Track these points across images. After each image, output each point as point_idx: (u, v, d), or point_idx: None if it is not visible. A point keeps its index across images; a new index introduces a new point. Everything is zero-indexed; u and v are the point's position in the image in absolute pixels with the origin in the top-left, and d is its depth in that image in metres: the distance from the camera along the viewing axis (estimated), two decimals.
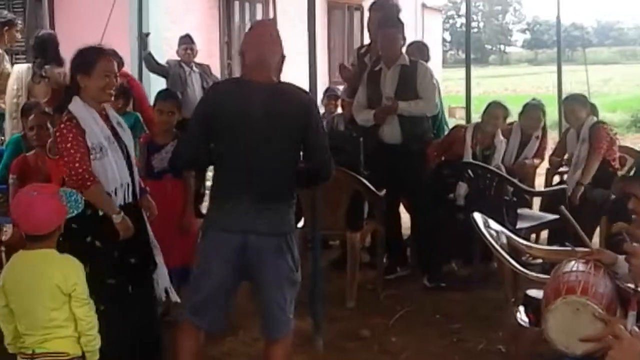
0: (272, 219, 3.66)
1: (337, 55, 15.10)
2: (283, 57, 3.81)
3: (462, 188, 5.96)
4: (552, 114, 10.10)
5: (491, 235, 4.28)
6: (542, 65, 54.03)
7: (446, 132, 6.87)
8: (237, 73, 10.58)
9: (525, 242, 4.77)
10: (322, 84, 7.24)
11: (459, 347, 4.85)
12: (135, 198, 4.01)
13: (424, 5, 22.18)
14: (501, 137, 6.31)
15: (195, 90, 8.12)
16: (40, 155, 5.09)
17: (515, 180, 6.08)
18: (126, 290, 3.90)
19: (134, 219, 3.90)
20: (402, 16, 6.47)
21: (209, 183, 5.59)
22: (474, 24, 69.07)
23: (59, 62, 6.58)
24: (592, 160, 6.11)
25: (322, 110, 7.71)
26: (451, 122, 8.38)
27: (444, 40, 39.74)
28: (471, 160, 6.13)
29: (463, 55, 11.26)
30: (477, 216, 4.42)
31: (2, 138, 6.77)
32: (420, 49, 7.00)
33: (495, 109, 6.30)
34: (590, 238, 4.91)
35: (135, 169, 4.06)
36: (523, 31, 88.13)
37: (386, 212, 5.96)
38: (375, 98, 6.04)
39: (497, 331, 4.93)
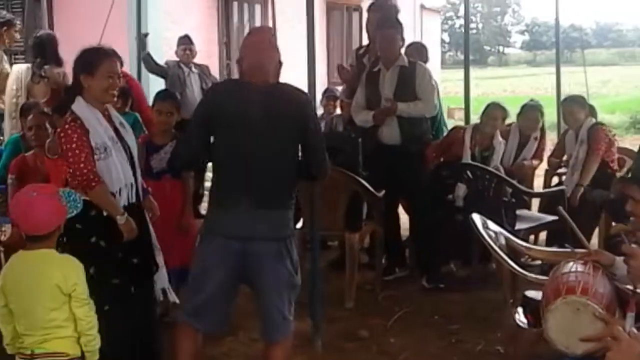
0: (271, 223, 3.67)
1: (336, 56, 15.10)
2: (280, 63, 3.84)
3: (461, 189, 5.96)
4: (550, 115, 10.08)
5: (490, 237, 4.29)
6: (540, 66, 54.04)
7: (445, 133, 6.87)
8: (236, 74, 10.58)
9: (524, 243, 4.77)
10: (320, 85, 7.25)
11: (458, 348, 4.85)
12: (138, 199, 4.02)
13: (422, 7, 22.21)
14: (500, 138, 6.31)
15: (194, 90, 8.12)
16: (39, 155, 5.09)
17: (514, 182, 6.09)
18: (129, 291, 3.91)
19: (137, 219, 3.91)
20: (401, 17, 6.47)
21: (208, 184, 5.59)
22: (472, 25, 69.35)
23: (58, 62, 6.59)
24: (590, 161, 6.13)
25: (320, 111, 7.72)
26: (450, 123, 8.37)
27: (442, 41, 39.76)
28: (470, 161, 6.13)
29: (462, 57, 11.24)
30: (476, 217, 4.42)
31: (1, 138, 6.77)
32: (419, 50, 7.00)
33: (494, 110, 6.30)
34: (589, 239, 4.92)
35: (138, 170, 4.07)
36: (522, 32, 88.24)
37: (385, 213, 5.96)
38: (374, 99, 6.04)
39: (496, 332, 4.93)
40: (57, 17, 10.11)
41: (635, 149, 6.90)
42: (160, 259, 4.16)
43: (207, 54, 10.65)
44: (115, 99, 4.08)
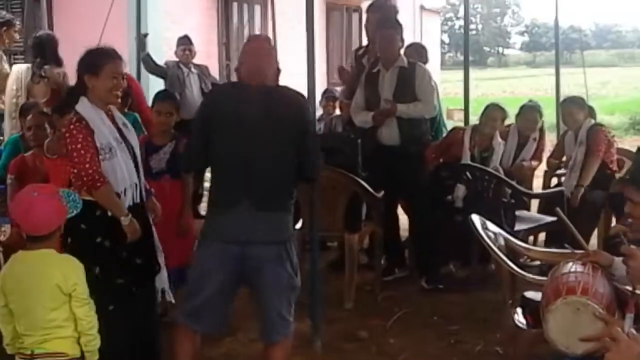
0: (271, 227, 3.68)
1: (336, 56, 15.12)
2: (279, 70, 3.87)
3: (460, 190, 5.96)
4: (550, 116, 10.08)
5: (489, 237, 4.29)
6: (540, 67, 54.05)
7: (444, 134, 6.87)
8: (235, 74, 10.58)
9: (523, 244, 4.78)
10: (320, 85, 7.24)
11: (457, 349, 4.86)
12: (142, 199, 4.04)
13: (422, 8, 22.23)
14: (499, 139, 6.31)
15: (194, 91, 8.12)
16: (38, 155, 5.08)
17: (513, 182, 6.09)
18: (132, 291, 3.93)
19: (140, 219, 3.92)
20: (401, 18, 6.47)
21: (207, 184, 5.59)
22: (472, 26, 69.34)
23: (58, 63, 6.59)
24: (591, 162, 6.13)
25: (320, 111, 7.73)
26: (449, 124, 8.37)
27: (442, 42, 39.75)
28: (469, 162, 6.13)
29: (461, 58, 11.25)
30: (475, 218, 4.42)
31: (1, 138, 6.77)
32: (418, 51, 7.00)
33: (494, 111, 6.31)
34: (588, 240, 4.94)
35: (142, 170, 4.08)
36: (521, 34, 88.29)
37: (384, 213, 5.96)
38: (373, 100, 6.04)
39: (495, 333, 4.93)
40: (57, 17, 10.11)
41: (635, 150, 6.90)
42: (161, 259, 4.17)
43: (207, 55, 10.65)
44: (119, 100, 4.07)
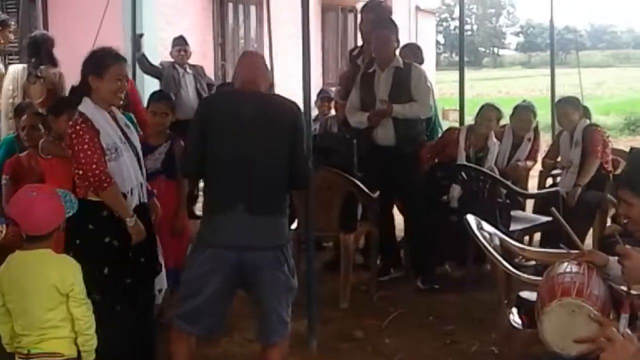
0: (268, 232, 3.69)
1: (331, 57, 15.12)
2: (271, 85, 3.90)
3: (456, 190, 5.97)
4: (545, 116, 10.14)
5: (484, 237, 4.30)
6: (535, 68, 54.07)
7: (440, 135, 6.88)
8: (230, 74, 10.57)
9: (518, 244, 4.78)
10: (315, 86, 7.24)
11: (452, 349, 4.86)
12: (146, 198, 4.08)
13: (417, 8, 22.21)
14: (494, 140, 6.32)
15: (189, 91, 8.13)
16: (33, 155, 5.07)
17: (509, 183, 6.09)
18: (138, 291, 3.95)
19: (145, 219, 3.95)
20: (396, 19, 6.48)
21: (202, 184, 5.59)
22: (467, 27, 69.35)
23: (53, 63, 6.59)
24: (590, 163, 6.14)
25: (315, 112, 7.72)
26: (445, 125, 8.38)
27: (437, 42, 39.77)
28: (464, 162, 6.14)
29: (456, 58, 11.26)
30: (471, 218, 4.43)
31: None
32: (413, 52, 7.01)
33: (489, 112, 6.32)
34: (584, 240, 4.94)
35: (144, 170, 4.10)
36: (516, 34, 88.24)
37: (380, 213, 5.96)
38: (368, 100, 6.05)
39: (490, 333, 4.93)
40: (52, 17, 10.09)
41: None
42: (162, 259, 4.20)
43: (202, 55, 10.65)
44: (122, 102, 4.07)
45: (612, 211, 6.16)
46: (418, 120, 6.09)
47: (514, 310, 3.91)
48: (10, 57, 8.83)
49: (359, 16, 8.24)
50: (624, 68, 49.87)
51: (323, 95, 8.20)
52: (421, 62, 6.81)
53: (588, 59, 50.20)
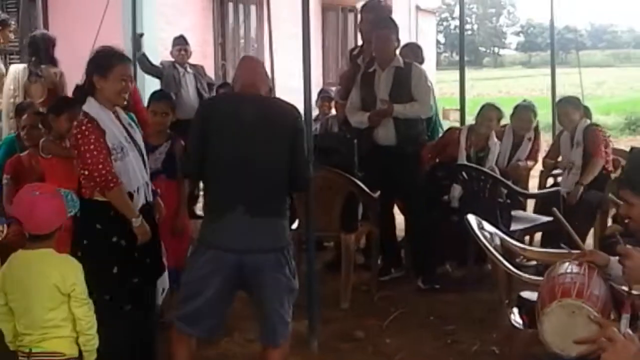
0: (269, 234, 3.69)
1: (331, 56, 15.11)
2: (271, 90, 3.91)
3: (457, 190, 5.97)
4: (545, 116, 10.13)
5: (485, 237, 4.29)
6: (535, 67, 54.09)
7: (440, 134, 6.88)
8: (231, 74, 10.57)
9: (519, 244, 4.78)
10: (316, 86, 7.24)
11: (453, 349, 4.86)
12: (152, 197, 4.10)
13: (418, 8, 22.20)
14: (495, 139, 6.32)
15: (189, 91, 8.13)
16: (33, 155, 5.08)
17: (509, 182, 6.09)
18: (145, 290, 3.98)
19: (150, 219, 3.97)
20: (396, 18, 6.47)
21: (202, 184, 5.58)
22: (468, 27, 69.33)
23: (52, 62, 6.58)
24: (593, 164, 6.14)
25: (316, 112, 7.72)
26: (445, 125, 8.39)
27: (438, 42, 39.78)
28: (465, 162, 6.14)
29: (457, 58, 11.25)
30: (471, 218, 4.42)
31: None
32: (414, 51, 7.00)
33: (489, 111, 6.32)
34: (584, 240, 4.94)
35: (148, 169, 4.12)
36: (517, 34, 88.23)
37: (380, 213, 5.96)
38: (369, 100, 6.04)
39: (491, 333, 4.93)
40: (52, 17, 10.09)
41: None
42: (165, 259, 4.20)
43: (202, 55, 10.64)
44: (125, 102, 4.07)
45: (613, 211, 6.16)
46: (419, 120, 6.09)
47: (515, 310, 3.91)
48: (11, 56, 8.83)
49: (359, 16, 8.23)
50: (624, 68, 49.91)
51: (323, 95, 8.21)
52: (421, 61, 6.81)
53: (588, 59, 50.21)
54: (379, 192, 5.77)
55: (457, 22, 60.54)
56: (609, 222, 6.24)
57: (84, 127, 3.75)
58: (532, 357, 3.68)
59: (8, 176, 5.08)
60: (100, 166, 3.71)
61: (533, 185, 7.41)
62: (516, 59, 78.40)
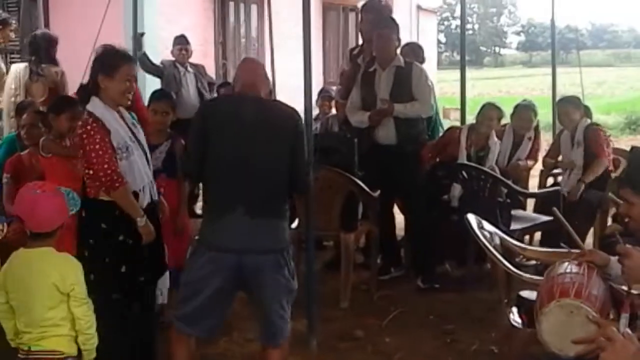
0: (268, 235, 3.69)
1: (332, 56, 15.10)
2: (271, 92, 3.91)
3: (457, 189, 5.97)
4: (546, 116, 10.13)
5: (485, 237, 4.30)
6: (536, 67, 54.11)
7: (441, 134, 6.88)
8: (231, 73, 10.57)
9: (518, 244, 4.78)
10: (316, 85, 7.25)
11: (453, 348, 4.86)
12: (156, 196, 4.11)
13: (419, 7, 22.18)
14: (495, 139, 6.32)
15: (190, 90, 8.13)
16: (33, 154, 5.08)
17: (509, 182, 6.09)
18: (150, 288, 3.99)
19: (154, 218, 3.98)
20: (397, 18, 6.48)
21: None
22: (468, 26, 69.30)
23: (51, 62, 6.58)
24: (597, 164, 6.15)
25: (316, 111, 7.72)
26: (446, 124, 8.38)
27: (438, 42, 39.78)
28: (465, 161, 6.14)
29: (458, 57, 11.27)
30: (471, 217, 4.43)
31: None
32: (414, 51, 7.00)
33: (490, 111, 6.31)
34: (584, 239, 4.94)
35: (152, 168, 4.12)
36: (518, 33, 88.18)
37: (380, 213, 5.96)
38: (369, 99, 6.04)
39: (490, 332, 4.94)
40: (53, 16, 10.09)
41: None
42: (166, 259, 4.21)
43: (203, 54, 10.65)
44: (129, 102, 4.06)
45: (612, 210, 6.16)
46: (419, 120, 6.09)
47: (514, 309, 3.91)
48: (12, 55, 8.84)
49: (359, 15, 8.23)
50: (624, 67, 49.87)
51: (324, 94, 8.20)
52: (422, 61, 6.81)
53: (589, 58, 50.17)
54: (378, 192, 5.77)
55: (458, 22, 60.60)
56: (609, 221, 6.24)
57: (89, 127, 3.75)
58: (531, 357, 3.69)
59: (8, 175, 5.09)
60: (106, 166, 3.72)
61: (533, 185, 7.41)
62: (517, 58, 78.41)
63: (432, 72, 14.27)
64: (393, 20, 6.25)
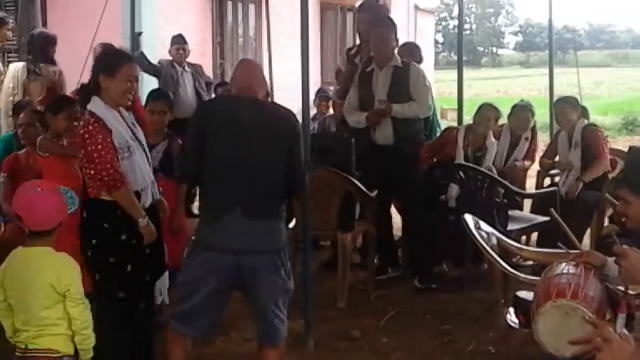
0: (265, 235, 3.69)
1: (330, 56, 15.10)
2: (268, 95, 3.91)
3: (454, 190, 5.97)
4: (543, 116, 10.13)
5: (482, 237, 4.30)
6: (534, 67, 54.06)
7: (438, 134, 6.88)
8: (229, 73, 10.56)
9: (516, 244, 4.79)
10: (314, 85, 7.25)
11: (450, 348, 4.86)
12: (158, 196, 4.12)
13: (416, 7, 22.18)
14: (493, 139, 6.32)
15: (188, 90, 8.12)
16: (31, 153, 5.08)
17: (507, 182, 6.09)
18: (153, 288, 4.02)
19: (155, 218, 3.99)
20: (395, 18, 6.47)
21: None
22: (466, 27, 69.27)
23: (48, 61, 6.58)
24: (597, 165, 6.16)
25: (314, 111, 7.72)
26: (443, 124, 8.40)
27: (436, 42, 39.74)
28: (463, 162, 6.14)
29: (456, 58, 11.28)
30: (469, 218, 4.43)
31: None
32: (412, 51, 6.99)
33: (487, 111, 6.32)
34: (581, 240, 4.94)
35: (152, 168, 4.13)
36: (515, 34, 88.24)
37: (378, 213, 5.96)
38: (367, 99, 6.04)
39: (488, 332, 4.94)
40: (51, 16, 10.07)
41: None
42: (166, 259, 4.21)
43: (201, 54, 10.64)
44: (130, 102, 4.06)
45: (609, 211, 6.17)
46: (417, 120, 6.08)
47: (512, 310, 3.91)
48: (10, 55, 8.83)
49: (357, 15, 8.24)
50: (622, 68, 49.93)
51: (322, 95, 8.20)
52: (420, 61, 6.80)
53: (587, 59, 50.24)
54: (376, 192, 5.76)
55: (456, 22, 60.62)
56: (606, 222, 6.25)
57: (91, 127, 3.75)
58: (528, 357, 3.69)
59: (5, 174, 5.09)
60: (109, 166, 3.71)
61: (530, 186, 7.42)
62: (514, 59, 78.42)
63: (429, 72, 14.31)
64: (391, 20, 6.24)
